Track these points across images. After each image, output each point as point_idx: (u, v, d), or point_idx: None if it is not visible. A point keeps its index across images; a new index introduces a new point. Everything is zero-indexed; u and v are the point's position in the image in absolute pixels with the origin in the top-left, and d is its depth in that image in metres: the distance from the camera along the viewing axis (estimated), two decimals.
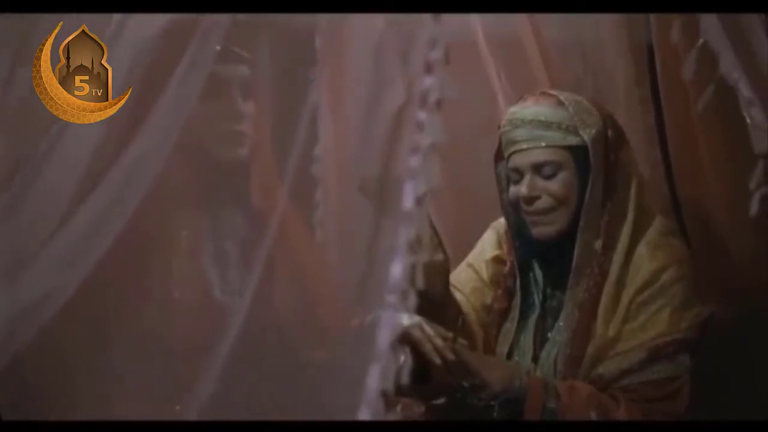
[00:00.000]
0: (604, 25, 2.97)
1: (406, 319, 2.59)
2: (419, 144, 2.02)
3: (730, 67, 2.27)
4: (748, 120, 2.27)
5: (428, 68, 2.03)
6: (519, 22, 3.05)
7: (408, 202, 2.00)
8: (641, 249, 2.76)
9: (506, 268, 2.92)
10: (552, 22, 3.02)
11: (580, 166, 2.75)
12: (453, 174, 3.13)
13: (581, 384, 2.66)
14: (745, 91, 2.27)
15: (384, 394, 1.93)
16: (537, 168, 2.75)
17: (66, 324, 2.40)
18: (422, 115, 2.02)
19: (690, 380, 2.70)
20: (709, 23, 2.26)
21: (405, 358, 2.54)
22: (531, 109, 2.78)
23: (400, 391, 2.69)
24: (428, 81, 2.03)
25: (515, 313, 2.88)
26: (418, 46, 2.05)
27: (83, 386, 2.39)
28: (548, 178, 2.75)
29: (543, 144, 2.74)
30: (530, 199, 2.75)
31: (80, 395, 2.38)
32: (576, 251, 2.74)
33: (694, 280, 2.74)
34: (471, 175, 3.00)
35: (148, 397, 2.40)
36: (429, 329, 2.60)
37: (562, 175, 2.75)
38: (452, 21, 2.87)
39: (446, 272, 2.73)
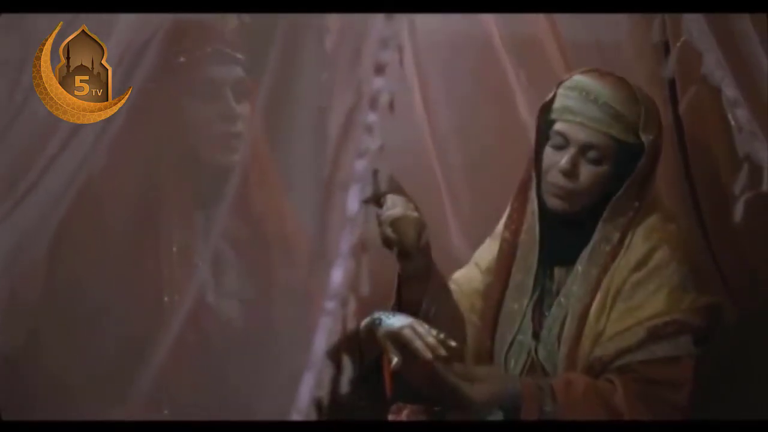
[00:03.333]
0: (623, 24, 2.88)
1: (399, 321, 2.56)
2: (367, 147, 1.97)
3: (713, 66, 2.17)
4: (732, 121, 2.17)
5: (379, 69, 1.98)
6: (536, 22, 2.98)
7: (353, 206, 1.96)
8: (639, 231, 2.72)
9: (506, 219, 2.86)
10: (570, 22, 2.95)
11: (620, 161, 2.70)
12: (470, 176, 3.10)
13: (576, 376, 2.63)
14: (729, 91, 2.18)
15: (318, 402, 1.88)
16: (585, 148, 2.70)
17: (54, 324, 2.42)
18: (372, 118, 1.98)
19: (694, 378, 2.63)
20: (693, 21, 2.17)
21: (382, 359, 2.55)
22: (609, 91, 2.71)
23: (406, 398, 2.70)
24: (378, 82, 1.98)
25: (530, 262, 2.82)
26: (370, 46, 2.00)
27: (70, 389, 2.40)
28: (591, 162, 2.70)
29: (603, 129, 2.68)
30: (568, 172, 2.70)
31: (67, 397, 2.39)
32: (594, 238, 2.72)
33: (691, 265, 2.69)
34: (490, 177, 2.93)
35: (134, 399, 2.39)
36: (421, 329, 2.56)
37: (603, 167, 2.71)
38: (431, 21, 2.87)
39: (421, 226, 2.67)
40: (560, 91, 2.74)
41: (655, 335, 2.62)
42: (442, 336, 2.56)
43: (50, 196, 2.39)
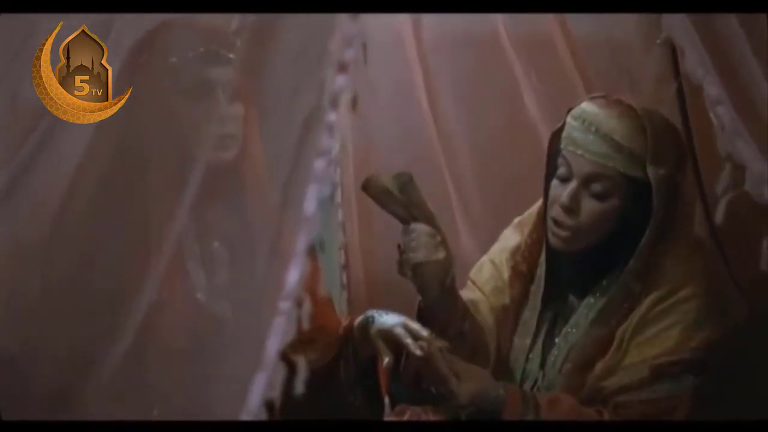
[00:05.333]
0: (634, 22, 2.82)
1: (391, 319, 2.54)
2: (327, 146, 1.95)
3: (695, 64, 2.12)
4: (714, 120, 2.12)
5: (342, 68, 1.96)
6: (545, 20, 2.94)
7: (310, 206, 1.94)
8: (665, 265, 2.59)
9: (522, 247, 2.78)
10: (580, 19, 2.89)
11: (631, 196, 2.57)
12: (478, 176, 3.07)
13: (564, 396, 2.56)
14: (710, 89, 2.13)
15: (269, 404, 1.87)
16: (588, 181, 2.57)
17: (44, 322, 2.43)
18: (332, 117, 1.96)
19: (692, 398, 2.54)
20: (674, 18, 2.12)
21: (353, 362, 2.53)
22: (611, 121, 2.55)
23: (404, 399, 2.68)
24: (341, 81, 1.96)
25: (536, 301, 2.74)
26: (334, 45, 1.99)
27: (60, 387, 2.41)
28: (594, 197, 2.57)
29: (605, 163, 2.55)
30: (566, 209, 2.58)
31: (57, 396, 2.40)
32: (612, 292, 2.61)
33: (712, 297, 2.58)
34: (498, 178, 2.89)
35: (124, 399, 2.40)
36: (413, 326, 2.54)
37: (609, 202, 2.57)
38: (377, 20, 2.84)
39: (445, 272, 2.60)
40: (568, 119, 2.61)
41: (658, 374, 2.53)
42: (432, 335, 2.52)
43: (39, 197, 2.40)
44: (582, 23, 2.91)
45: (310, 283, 2.68)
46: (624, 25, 2.84)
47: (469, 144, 3.13)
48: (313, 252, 1.93)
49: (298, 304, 1.92)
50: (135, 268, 2.46)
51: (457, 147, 3.15)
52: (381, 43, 3.05)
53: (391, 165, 2.69)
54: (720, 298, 2.60)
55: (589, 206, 2.56)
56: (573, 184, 2.56)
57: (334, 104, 1.97)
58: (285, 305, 1.92)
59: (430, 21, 2.99)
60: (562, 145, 2.60)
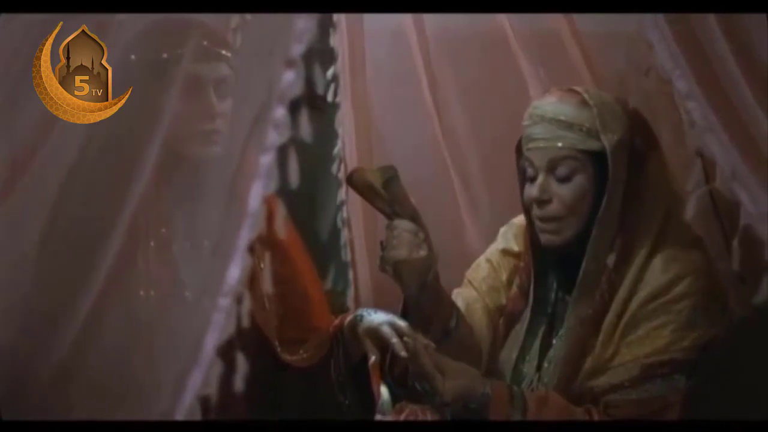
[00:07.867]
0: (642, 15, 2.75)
1: (379, 317, 2.53)
2: (272, 142, 1.95)
3: (664, 58, 2.08)
4: (683, 115, 2.07)
5: (290, 64, 1.96)
6: (552, 18, 2.89)
7: (254, 202, 1.94)
8: (657, 260, 2.55)
9: (521, 264, 2.77)
10: (588, 15, 2.83)
11: (599, 172, 2.56)
12: (485, 174, 3.03)
13: (553, 395, 2.52)
14: (679, 84, 2.08)
15: (204, 399, 1.87)
16: (551, 168, 2.57)
17: (30, 319, 2.45)
18: (279, 112, 1.95)
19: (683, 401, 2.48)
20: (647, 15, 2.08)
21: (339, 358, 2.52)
22: (553, 106, 2.60)
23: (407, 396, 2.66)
24: (289, 77, 1.96)
25: (526, 313, 2.72)
26: (282, 42, 1.98)
27: (46, 386, 2.42)
28: (562, 181, 2.57)
29: (560, 144, 2.56)
30: (540, 202, 2.59)
31: (42, 395, 2.41)
32: (584, 265, 2.58)
33: (707, 295, 2.52)
34: (505, 176, 2.85)
35: (110, 398, 2.40)
36: (400, 324, 2.51)
37: (576, 180, 2.57)
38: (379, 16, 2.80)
39: (426, 270, 2.59)
40: (523, 125, 2.64)
41: (649, 374, 2.49)
42: (420, 335, 2.50)
43: (30, 194, 2.42)
44: (589, 17, 2.85)
45: (306, 283, 2.72)
46: (632, 19, 2.76)
47: (476, 140, 3.10)
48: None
49: (238, 300, 1.91)
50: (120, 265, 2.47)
51: (464, 143, 3.12)
52: (384, 39, 3.04)
53: (395, 162, 2.65)
54: (719, 296, 2.55)
55: (561, 192, 2.57)
56: (540, 178, 2.58)
57: (281, 100, 1.95)
58: (224, 302, 1.91)
59: (434, 16, 2.96)
60: (524, 149, 2.62)
